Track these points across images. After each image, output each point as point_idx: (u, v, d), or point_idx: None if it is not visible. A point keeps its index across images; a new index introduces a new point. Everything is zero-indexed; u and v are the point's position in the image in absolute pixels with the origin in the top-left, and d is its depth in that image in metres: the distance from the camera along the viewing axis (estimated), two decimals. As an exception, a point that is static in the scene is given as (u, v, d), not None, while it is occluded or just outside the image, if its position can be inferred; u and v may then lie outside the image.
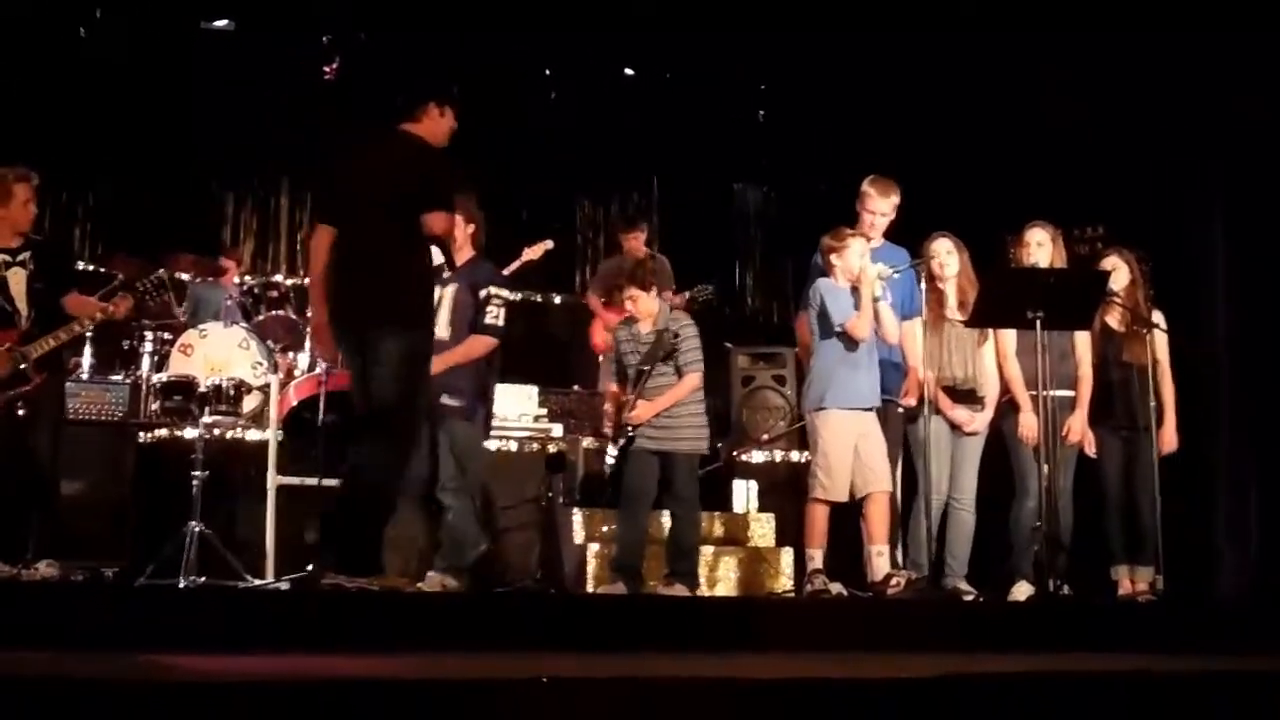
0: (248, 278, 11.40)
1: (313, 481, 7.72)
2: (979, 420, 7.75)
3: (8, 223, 7.43)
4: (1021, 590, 7.63)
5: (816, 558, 7.45)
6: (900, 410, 7.82)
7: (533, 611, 6.34)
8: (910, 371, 7.79)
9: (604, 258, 12.49)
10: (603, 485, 8.60)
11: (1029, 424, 7.64)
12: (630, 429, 7.52)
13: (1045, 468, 7.36)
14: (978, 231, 8.09)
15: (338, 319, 6.46)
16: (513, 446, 8.96)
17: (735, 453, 9.60)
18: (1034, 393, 7.51)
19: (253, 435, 8.50)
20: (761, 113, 12.90)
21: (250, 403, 8.46)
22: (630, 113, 12.57)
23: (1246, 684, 4.82)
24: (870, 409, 7.50)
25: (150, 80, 11.39)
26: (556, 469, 8.84)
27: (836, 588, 7.46)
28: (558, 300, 13.34)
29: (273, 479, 7.87)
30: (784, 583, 8.54)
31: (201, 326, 9.09)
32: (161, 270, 8.03)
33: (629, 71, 12.44)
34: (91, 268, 11.09)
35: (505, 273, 10.06)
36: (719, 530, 8.91)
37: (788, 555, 8.64)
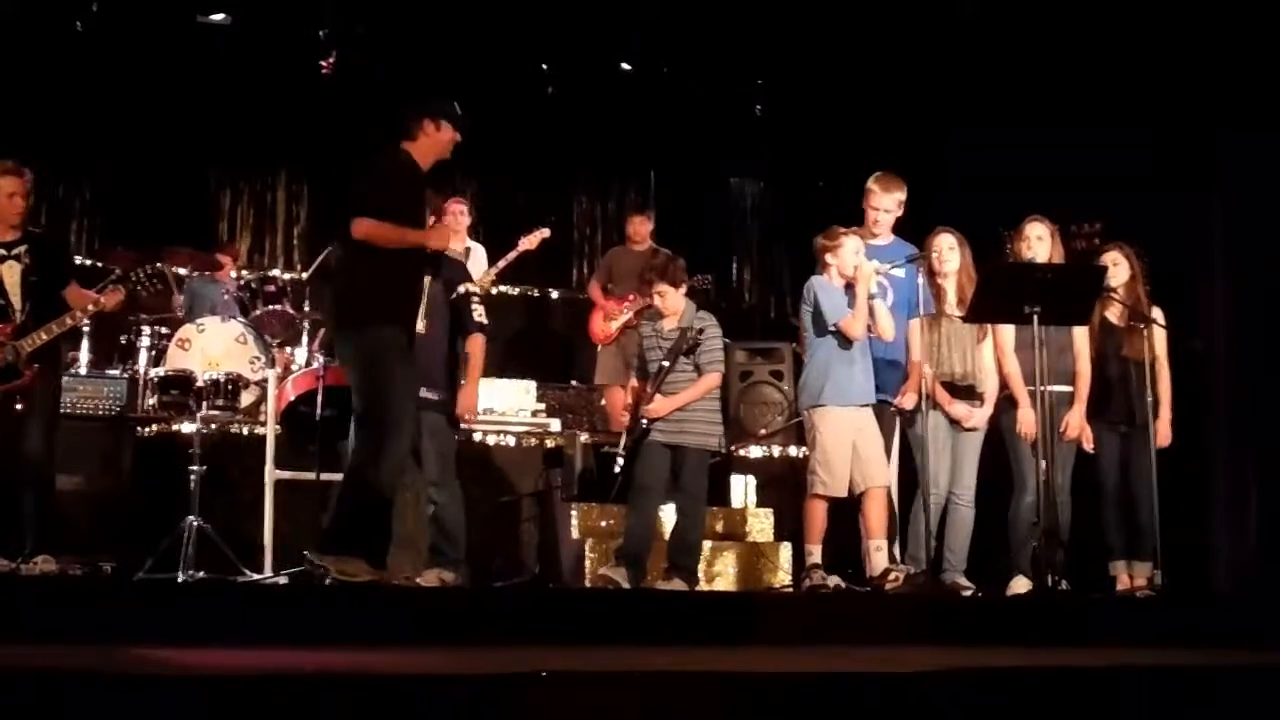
0: (245, 272, 11.40)
1: (310, 476, 7.72)
2: (978, 416, 7.75)
3: None
4: (1020, 585, 7.63)
5: (815, 553, 7.47)
6: (893, 409, 7.82)
7: (531, 606, 6.35)
8: (912, 369, 7.80)
9: (602, 252, 12.47)
10: (600, 480, 8.59)
11: (1027, 420, 7.64)
12: (645, 423, 7.54)
13: (1043, 463, 7.36)
14: (976, 227, 8.08)
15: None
16: (511, 441, 8.97)
17: (733, 448, 9.60)
18: (1032, 388, 7.52)
19: (250, 430, 8.50)
20: (759, 107, 12.88)
21: (248, 397, 8.44)
22: (627, 107, 12.55)
23: (1244, 678, 4.83)
24: (866, 405, 7.52)
25: (147, 74, 11.37)
26: (555, 464, 8.85)
27: (834, 581, 7.47)
28: (555, 295, 13.33)
29: (270, 473, 7.86)
30: (782, 578, 8.54)
31: (199, 321, 9.07)
32: (158, 264, 8.02)
33: (626, 66, 12.42)
34: (89, 262, 11.08)
35: (502, 264, 10.08)
36: (717, 525, 8.91)
37: (786, 550, 8.65)
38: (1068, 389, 7.80)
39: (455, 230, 9.97)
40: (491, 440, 8.98)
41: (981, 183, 9.86)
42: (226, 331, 8.90)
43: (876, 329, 7.55)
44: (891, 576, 7.29)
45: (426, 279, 6.99)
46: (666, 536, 7.73)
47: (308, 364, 9.05)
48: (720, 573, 8.52)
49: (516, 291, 13.07)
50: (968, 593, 7.54)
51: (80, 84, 11.23)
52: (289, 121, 11.74)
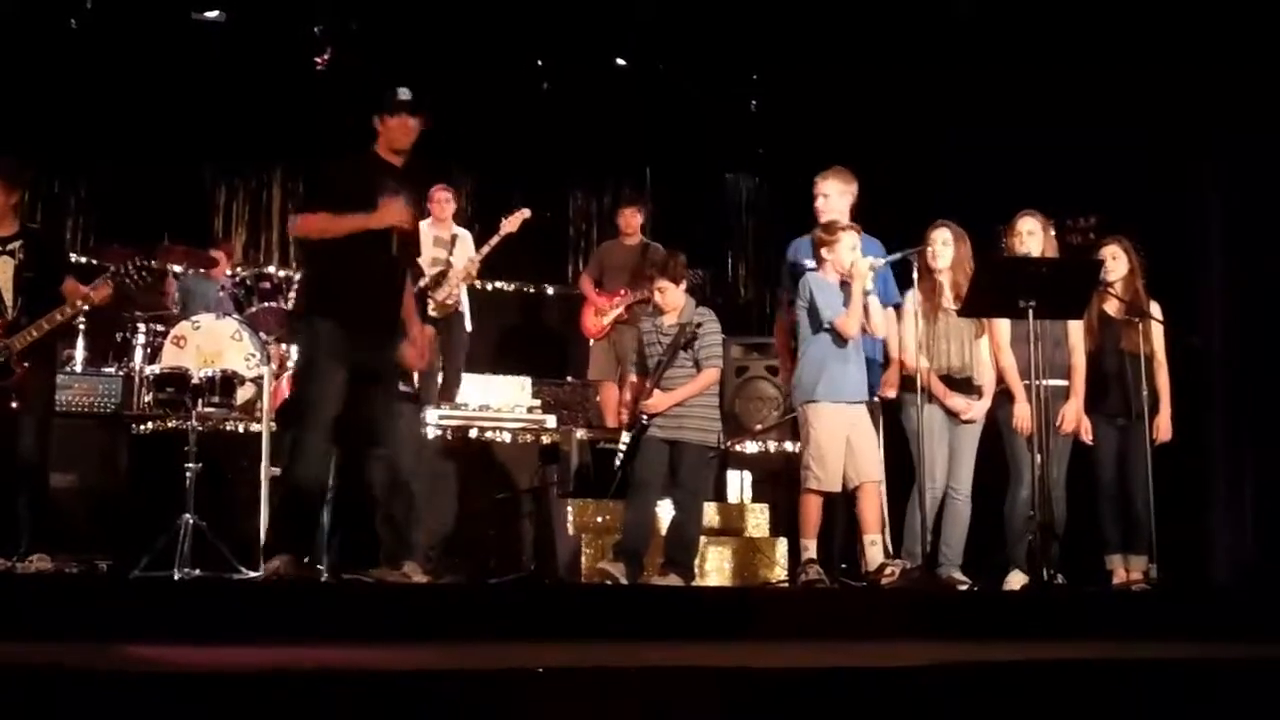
0: (240, 269, 11.39)
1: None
2: (976, 409, 7.75)
3: None
4: (1016, 579, 7.64)
5: (810, 547, 7.46)
6: (877, 402, 7.84)
7: (527, 602, 6.34)
8: (891, 363, 7.82)
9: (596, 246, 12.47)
10: (596, 476, 8.60)
11: (1023, 414, 7.64)
12: (645, 418, 7.54)
13: (1039, 457, 7.37)
14: (973, 223, 8.08)
15: None
16: (506, 438, 8.97)
17: (729, 443, 9.60)
18: (1027, 382, 7.52)
19: (246, 427, 8.50)
20: (754, 103, 12.88)
21: (243, 394, 8.45)
22: (622, 103, 12.55)
23: (1240, 671, 4.83)
24: (859, 402, 7.53)
25: (143, 71, 11.36)
26: (550, 460, 8.85)
27: (815, 572, 7.45)
28: (550, 291, 13.34)
29: (266, 470, 7.86)
30: (778, 572, 8.54)
31: (194, 318, 9.08)
32: (152, 261, 8.02)
33: (621, 62, 12.41)
34: (84, 259, 11.08)
35: (486, 249, 10.10)
36: (714, 520, 8.92)
37: (782, 545, 8.66)
38: (1063, 383, 7.81)
39: (440, 218, 10.01)
40: (487, 437, 8.98)
41: (977, 180, 9.84)
42: (222, 328, 8.91)
43: (869, 325, 7.55)
44: (887, 571, 7.30)
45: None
46: (664, 532, 7.73)
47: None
48: (716, 568, 8.52)
49: (512, 287, 13.08)
50: (964, 587, 7.54)
51: (76, 81, 11.22)
52: (284, 118, 11.73)
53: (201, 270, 10.55)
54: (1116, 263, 7.95)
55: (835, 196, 7.99)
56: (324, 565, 6.91)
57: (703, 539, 8.34)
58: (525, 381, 9.93)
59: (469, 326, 10.30)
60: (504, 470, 8.92)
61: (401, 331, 6.98)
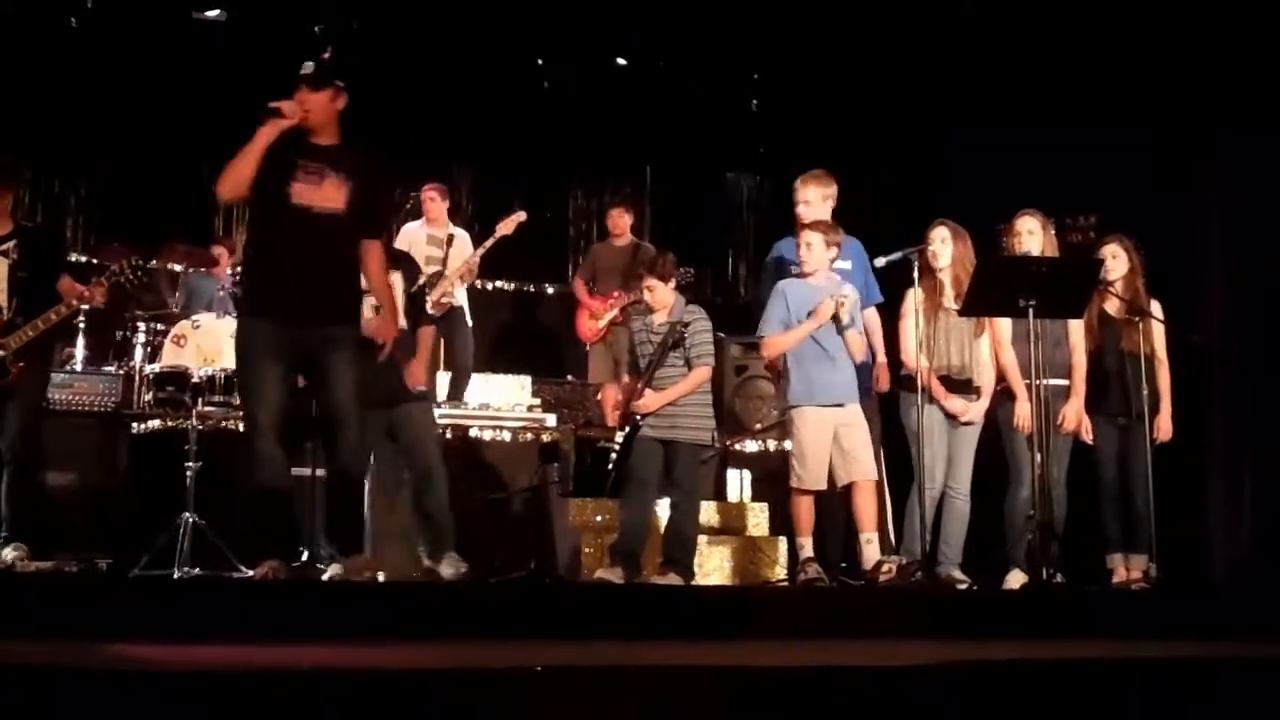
0: (240, 268, 11.38)
1: (306, 472, 7.72)
2: (975, 410, 7.74)
3: None
4: (1015, 578, 7.63)
5: (807, 546, 7.46)
6: (872, 395, 7.85)
7: (526, 601, 6.34)
8: (878, 360, 7.86)
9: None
10: (596, 475, 8.59)
11: (1024, 413, 7.64)
12: (638, 417, 7.54)
13: (1039, 456, 7.37)
14: (974, 223, 8.08)
15: None
16: (506, 437, 8.96)
17: (728, 442, 9.60)
18: (1027, 382, 7.52)
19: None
20: (755, 102, 12.89)
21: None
22: (623, 102, 12.55)
23: (1239, 670, 4.83)
24: (844, 404, 7.50)
25: (143, 70, 11.36)
26: (550, 459, 8.85)
27: (815, 570, 7.46)
28: (550, 290, 13.34)
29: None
30: (779, 572, 8.55)
31: (194, 317, 9.08)
32: (149, 260, 8.02)
33: (621, 61, 12.42)
34: (84, 258, 11.08)
35: (481, 250, 10.10)
36: (713, 519, 8.92)
37: (782, 544, 8.66)
38: (1063, 382, 7.81)
39: (433, 218, 10.02)
40: (487, 436, 8.97)
41: (979, 179, 9.85)
42: (222, 327, 8.90)
43: (849, 353, 7.53)
44: (884, 569, 7.30)
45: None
46: (661, 530, 7.73)
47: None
48: (716, 567, 8.52)
49: (511, 286, 13.08)
50: (963, 586, 7.54)
51: (76, 80, 11.23)
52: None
53: (202, 269, 10.54)
54: (1117, 261, 7.96)
55: (817, 202, 7.98)
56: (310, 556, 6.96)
57: (703, 538, 8.34)
58: (525, 380, 9.93)
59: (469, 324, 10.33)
60: (503, 469, 8.92)
61: (347, 306, 6.62)
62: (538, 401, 9.76)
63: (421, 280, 7.90)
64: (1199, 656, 5.07)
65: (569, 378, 11.59)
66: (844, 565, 7.80)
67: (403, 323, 7.46)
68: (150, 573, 7.27)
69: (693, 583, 7.59)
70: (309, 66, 6.68)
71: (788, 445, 8.83)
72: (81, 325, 9.33)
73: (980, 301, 7.40)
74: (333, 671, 4.02)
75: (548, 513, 8.66)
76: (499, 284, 12.86)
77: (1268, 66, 8.75)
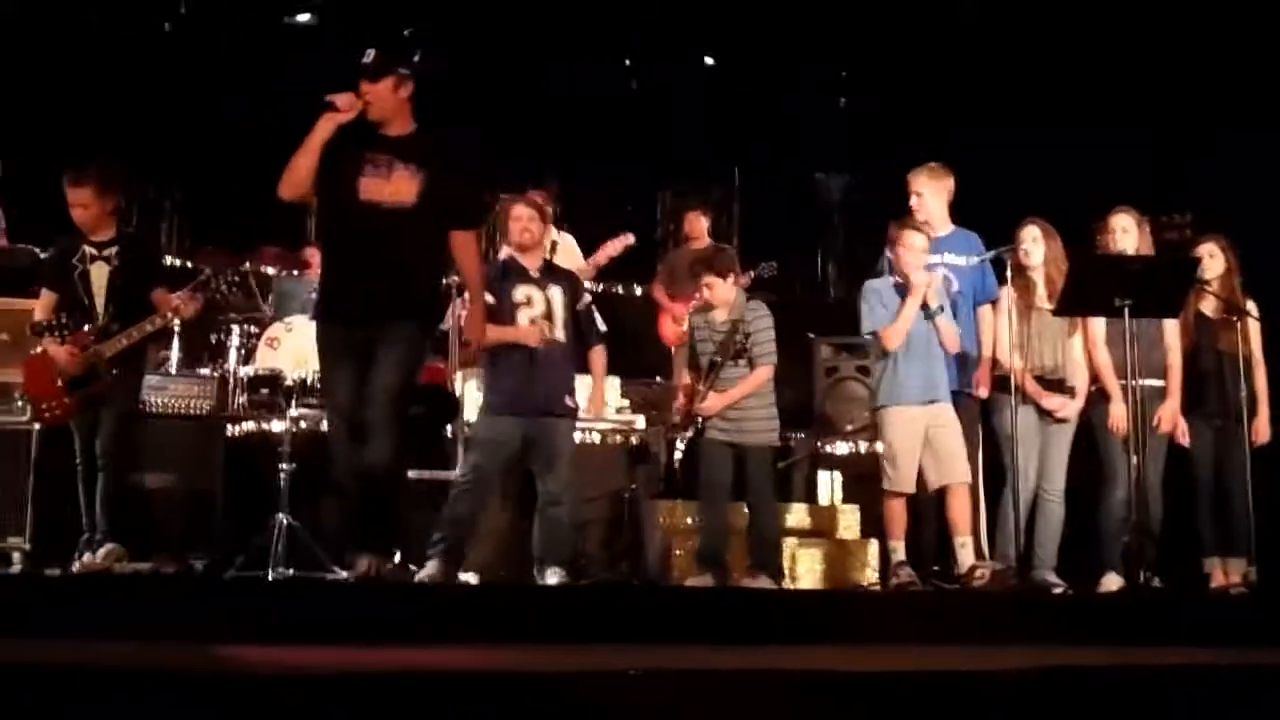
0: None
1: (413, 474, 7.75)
2: (1070, 408, 7.66)
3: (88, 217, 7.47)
4: (1111, 582, 7.56)
5: (899, 549, 7.43)
6: (970, 398, 7.77)
7: (618, 604, 6.35)
8: (983, 360, 7.75)
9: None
10: (684, 476, 8.59)
11: (1119, 414, 7.55)
12: (700, 420, 7.52)
13: (1135, 458, 7.28)
14: (1065, 217, 7.99)
15: None
16: (596, 439, 8.96)
17: (820, 444, 9.56)
18: (1123, 382, 7.44)
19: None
20: (843, 100, 12.84)
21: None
22: (711, 102, 12.54)
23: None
24: (934, 401, 7.44)
25: (235, 73, 11.48)
26: (640, 461, 8.84)
27: (908, 574, 7.42)
28: (638, 291, 13.33)
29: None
30: (870, 575, 8.49)
31: (287, 319, 9.14)
32: (244, 266, 8.08)
33: (709, 60, 12.41)
34: (179, 262, 11.20)
35: (591, 268, 10.07)
36: (804, 522, 8.88)
37: (873, 547, 8.60)
38: (1159, 383, 7.72)
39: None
40: (577, 438, 8.97)
41: (1068, 176, 9.75)
42: (314, 330, 8.95)
43: (942, 341, 7.46)
44: (978, 574, 7.24)
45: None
46: (744, 533, 7.73)
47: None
48: (807, 570, 8.48)
49: (600, 288, 13.08)
50: (1058, 590, 7.47)
51: (170, 85, 11.36)
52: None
53: (294, 271, 10.62)
54: (1213, 261, 7.86)
55: (929, 196, 7.92)
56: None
57: (793, 541, 8.34)
58: (614, 382, 9.92)
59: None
60: (594, 472, 8.91)
61: (409, 302, 6.31)
62: (626, 403, 9.75)
63: (588, 298, 7.77)
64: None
65: (657, 379, 11.57)
66: (936, 569, 7.74)
67: (560, 335, 7.46)
68: (245, 574, 7.34)
69: (784, 585, 7.58)
70: (370, 55, 6.40)
71: (879, 447, 8.80)
72: (176, 329, 9.41)
73: (1075, 301, 7.33)
74: (426, 674, 4.04)
75: (638, 515, 8.65)
76: (586, 285, 12.87)
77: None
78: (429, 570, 7.11)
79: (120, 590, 6.04)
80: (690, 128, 12.70)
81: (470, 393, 8.43)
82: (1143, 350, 7.41)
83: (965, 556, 7.33)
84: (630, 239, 10.44)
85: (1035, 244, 7.70)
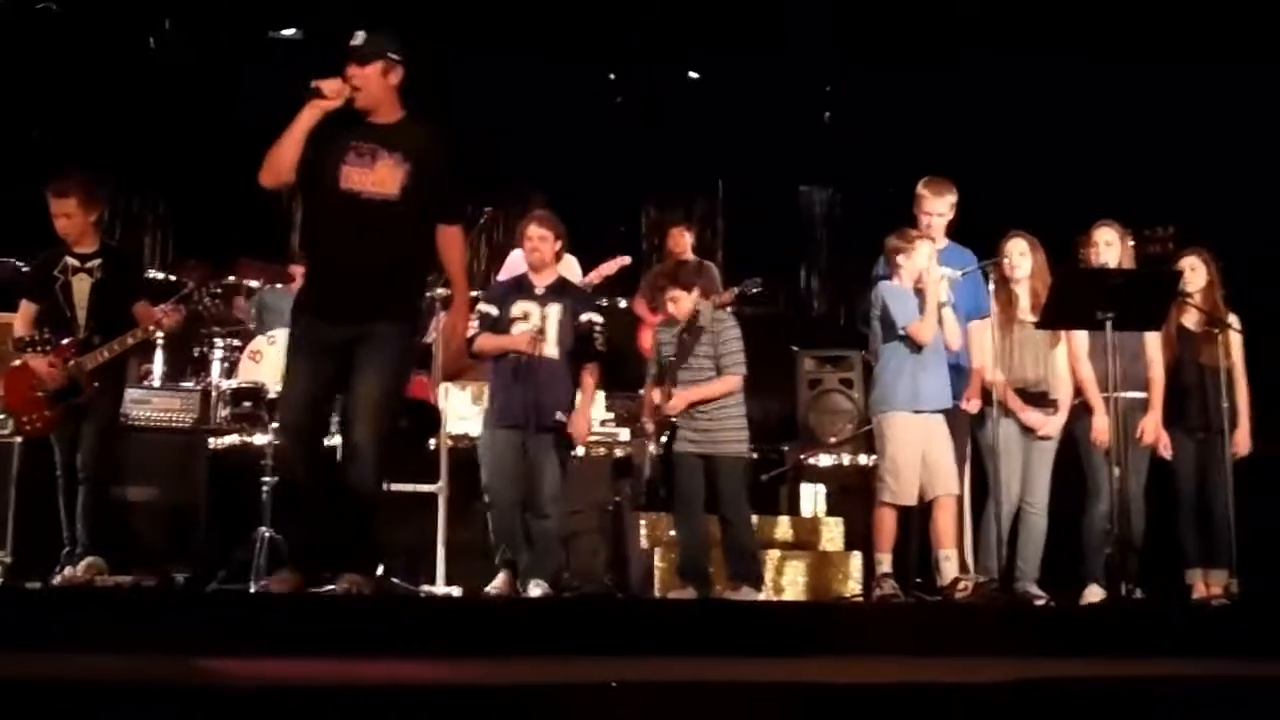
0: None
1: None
2: (1052, 423, 7.67)
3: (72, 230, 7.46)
4: (1093, 594, 7.57)
5: (885, 562, 7.42)
6: (962, 412, 7.77)
7: (601, 616, 6.34)
8: (974, 374, 7.74)
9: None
10: (669, 490, 8.59)
11: (1102, 427, 7.57)
12: (672, 419, 7.53)
13: (1117, 470, 7.30)
14: (1048, 231, 8.01)
15: None
16: (580, 451, 8.96)
17: (803, 456, 9.56)
18: (1105, 394, 7.46)
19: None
20: (827, 114, 12.85)
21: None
22: (695, 116, 12.55)
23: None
24: (936, 411, 7.45)
25: (219, 88, 11.48)
26: (624, 474, 8.84)
27: (891, 587, 7.42)
28: (623, 304, 13.33)
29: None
30: (853, 587, 8.50)
31: (270, 333, 9.12)
32: (224, 277, 8.06)
33: (693, 75, 12.42)
34: (161, 275, 11.18)
35: (587, 281, 10.06)
36: (787, 534, 8.89)
37: (857, 559, 8.61)
38: (1141, 395, 7.74)
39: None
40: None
41: (1051, 188, 9.78)
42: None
43: (945, 338, 7.49)
44: (960, 586, 7.24)
45: None
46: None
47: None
48: (790, 582, 8.49)
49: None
50: (1040, 602, 7.47)
51: (154, 99, 11.35)
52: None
53: (278, 285, 10.61)
54: (1195, 274, 7.88)
55: (937, 217, 7.89)
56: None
57: (776, 553, 8.34)
58: (599, 395, 9.92)
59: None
60: (578, 485, 8.90)
61: (392, 303, 6.00)
62: (611, 415, 9.75)
63: (593, 316, 7.71)
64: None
65: (639, 393, 11.57)
66: (919, 581, 7.75)
67: (553, 352, 7.47)
68: (227, 587, 7.32)
69: (764, 593, 7.58)
70: (358, 38, 6.13)
71: (863, 459, 8.81)
72: (159, 342, 9.39)
73: (1058, 314, 7.34)
74: (405, 687, 4.03)
75: (622, 528, 8.65)
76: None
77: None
78: (494, 585, 7.35)
79: (101, 604, 6.00)
80: (675, 141, 12.70)
81: (453, 406, 8.43)
82: (1125, 363, 7.43)
83: (949, 569, 7.32)
84: (626, 260, 10.45)
85: (1023, 257, 7.71)
